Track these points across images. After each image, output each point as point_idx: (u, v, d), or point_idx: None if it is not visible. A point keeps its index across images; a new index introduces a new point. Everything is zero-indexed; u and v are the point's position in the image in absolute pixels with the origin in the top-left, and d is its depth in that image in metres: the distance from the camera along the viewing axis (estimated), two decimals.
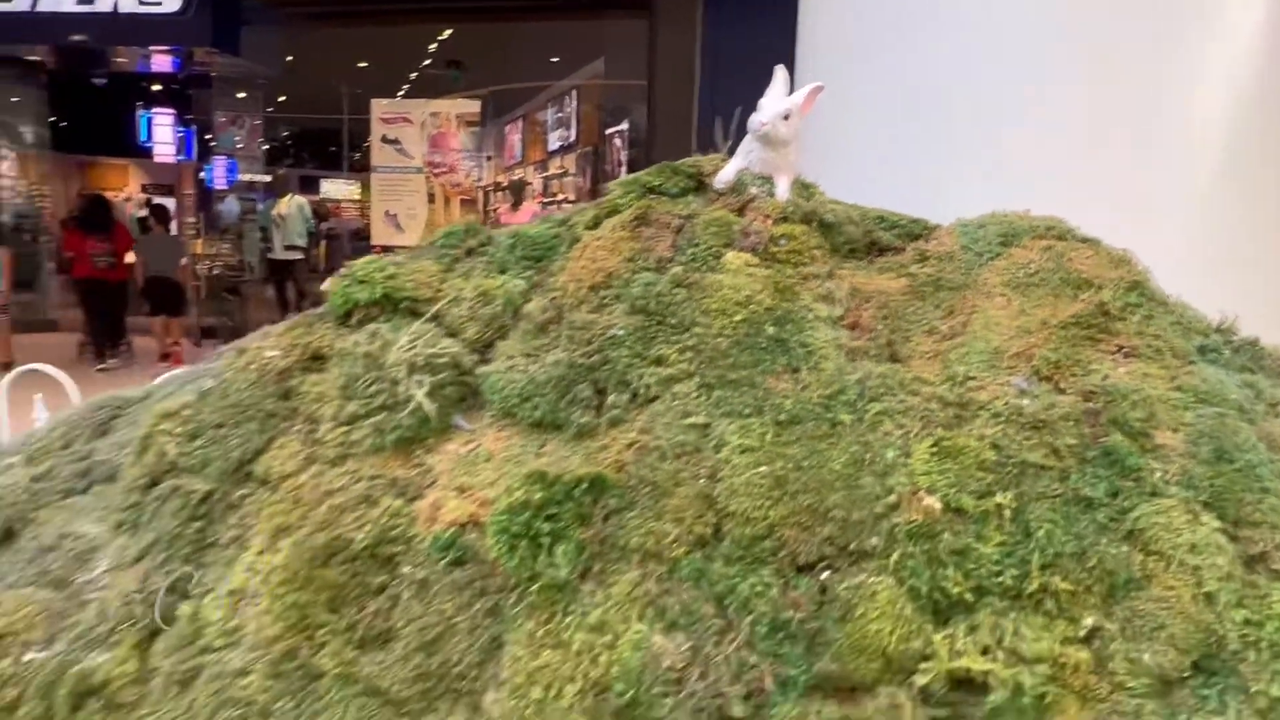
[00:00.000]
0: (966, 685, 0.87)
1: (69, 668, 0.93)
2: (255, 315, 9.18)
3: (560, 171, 9.67)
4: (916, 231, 1.33)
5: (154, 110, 11.82)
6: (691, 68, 6.92)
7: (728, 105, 1.33)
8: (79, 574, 1.04)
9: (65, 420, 1.32)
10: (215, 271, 9.62)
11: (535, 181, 10.29)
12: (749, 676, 0.85)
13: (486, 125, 9.87)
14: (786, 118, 1.15)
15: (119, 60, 9.57)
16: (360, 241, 10.60)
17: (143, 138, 11.98)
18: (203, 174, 13.36)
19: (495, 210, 10.26)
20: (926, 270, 1.22)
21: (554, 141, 9.74)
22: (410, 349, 1.08)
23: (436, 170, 8.34)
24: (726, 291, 1.08)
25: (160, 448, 1.10)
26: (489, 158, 11.37)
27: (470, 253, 1.30)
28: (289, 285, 8.90)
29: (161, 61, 9.97)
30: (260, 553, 0.98)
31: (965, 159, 2.51)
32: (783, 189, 1.20)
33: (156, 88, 11.44)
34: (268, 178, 10.62)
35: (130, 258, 8.01)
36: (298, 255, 8.87)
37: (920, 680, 0.86)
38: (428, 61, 10.24)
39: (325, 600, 0.94)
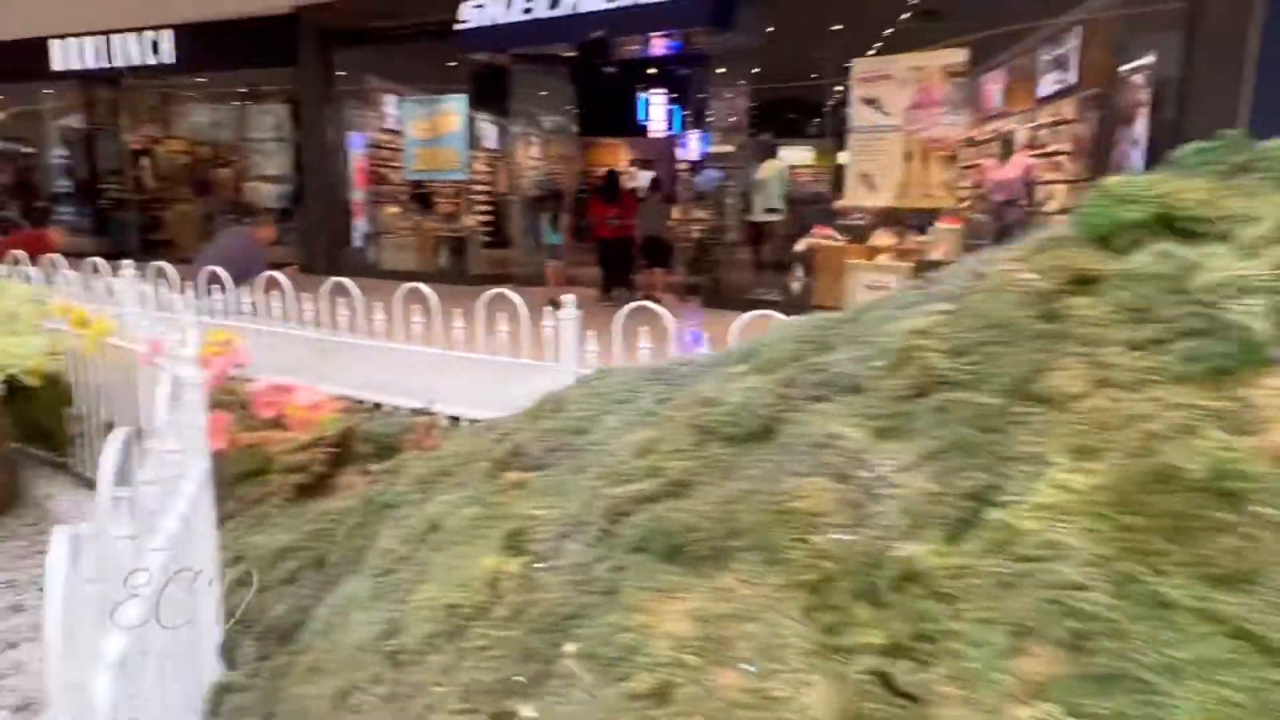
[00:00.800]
0: None
1: (883, 552, 1.01)
2: (732, 274, 9.91)
3: (1054, 120, 8.77)
4: None
5: (651, 91, 13.34)
6: None
7: None
8: (859, 470, 1.13)
9: (781, 338, 1.47)
10: (698, 234, 10.61)
11: (1021, 132, 9.47)
12: None
13: (970, 76, 9.29)
14: None
15: (631, 47, 10.90)
16: (818, 205, 10.82)
17: (641, 117, 13.58)
18: (681, 147, 14.86)
19: (977, 166, 9.70)
20: None
21: (1047, 87, 8.87)
22: (1228, 272, 0.97)
23: (915, 127, 8.09)
24: None
25: (924, 362, 1.14)
26: (970, 109, 10.72)
27: (1241, 169, 1.14)
28: (764, 246, 9.44)
29: (660, 45, 11.13)
30: (1070, 472, 0.96)
31: None
32: None
33: (652, 71, 12.89)
34: (738, 147, 11.27)
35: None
36: (775, 217, 9.33)
37: None
38: (905, 15, 9.97)
39: (1162, 528, 0.88)
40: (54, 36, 14.12)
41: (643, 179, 12.78)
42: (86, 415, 3.33)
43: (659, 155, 15.44)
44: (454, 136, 11.91)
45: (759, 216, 9.42)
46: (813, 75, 12.38)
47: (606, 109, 12.89)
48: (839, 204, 9.99)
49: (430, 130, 12.04)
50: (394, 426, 2.63)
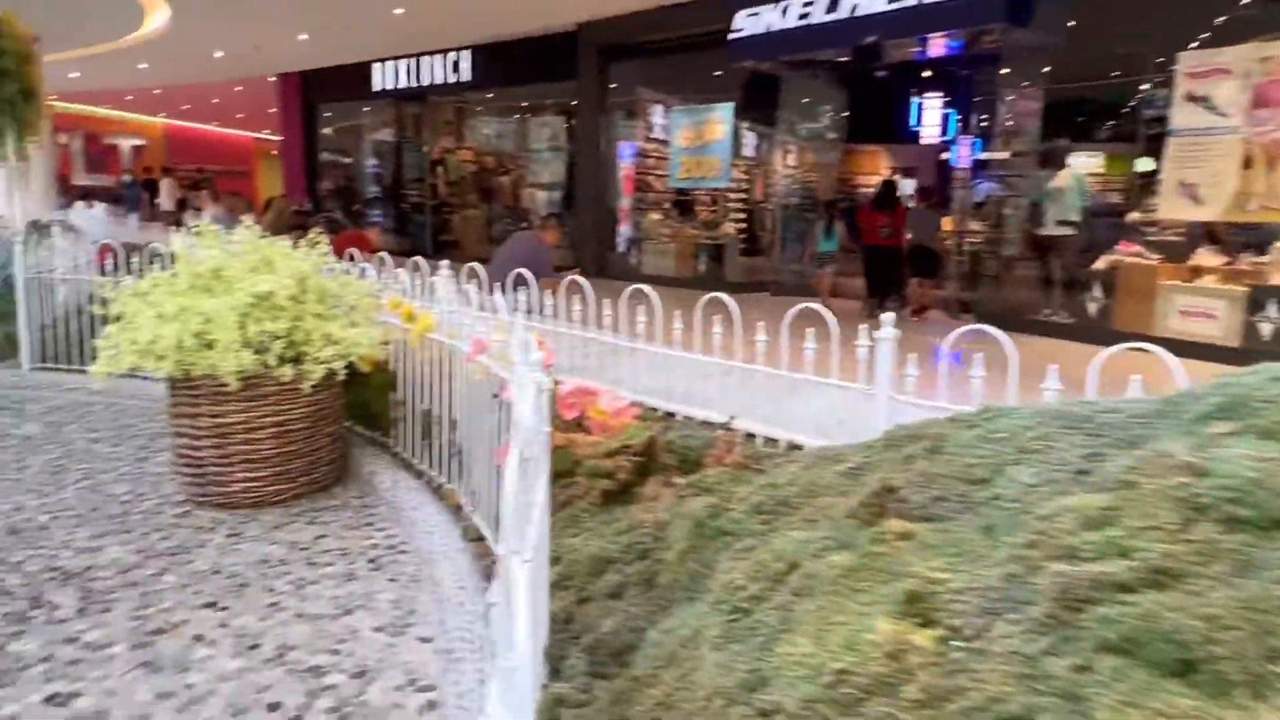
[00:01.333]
0: None
1: None
2: (1012, 292, 9.09)
3: None
4: None
5: (925, 95, 12.65)
6: None
7: None
8: None
9: None
10: (971, 247, 9.87)
11: None
12: None
13: None
14: None
15: (907, 50, 10.37)
16: (1118, 218, 9.63)
17: (913, 123, 12.92)
18: (954, 153, 13.95)
19: None
20: None
21: None
22: None
23: (1262, 129, 6.91)
24: None
25: None
26: None
27: None
28: (1054, 261, 8.55)
29: (939, 46, 10.47)
30: None
31: None
32: None
33: (927, 74, 12.22)
34: (1025, 153, 10.33)
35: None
36: (1069, 231, 8.42)
37: None
38: (1245, 1, 8.59)
39: None
40: (375, 60, 16.08)
41: (911, 187, 12.14)
42: (406, 401, 3.64)
43: (929, 162, 14.61)
44: (718, 144, 12.03)
45: (1050, 229, 8.55)
46: (1113, 74, 11.08)
47: (876, 114, 12.38)
48: (1147, 216, 8.85)
49: (696, 138, 12.25)
50: (695, 439, 2.57)
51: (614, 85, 13.26)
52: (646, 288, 3.36)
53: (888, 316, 2.46)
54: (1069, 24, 9.87)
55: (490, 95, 16.08)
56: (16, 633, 2.34)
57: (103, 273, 5.47)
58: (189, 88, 19.54)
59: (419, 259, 4.38)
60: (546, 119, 15.08)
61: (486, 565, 2.64)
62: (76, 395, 5.03)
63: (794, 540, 1.34)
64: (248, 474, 3.28)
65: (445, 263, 3.99)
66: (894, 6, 8.73)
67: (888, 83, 11.72)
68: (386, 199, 18.11)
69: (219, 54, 15.03)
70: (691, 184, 12.50)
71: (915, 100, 12.85)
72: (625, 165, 13.35)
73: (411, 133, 17.44)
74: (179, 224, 10.47)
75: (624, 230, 13.45)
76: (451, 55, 15.00)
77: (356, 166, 19.19)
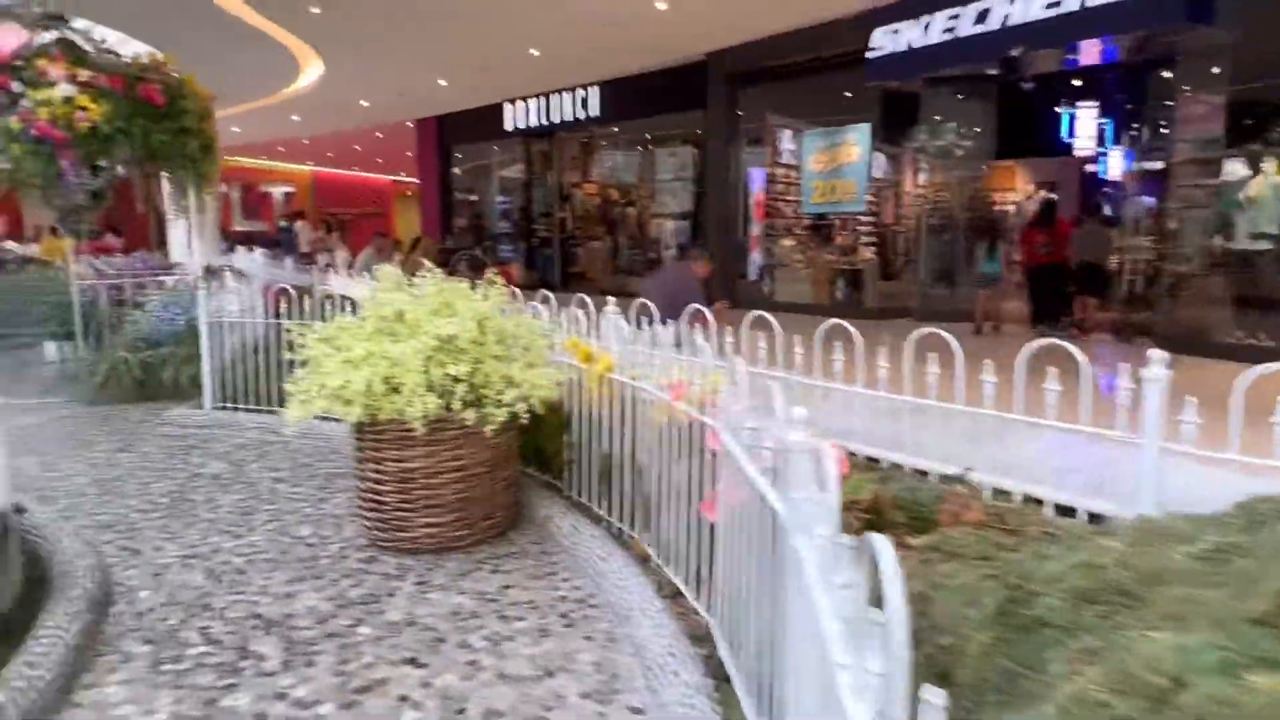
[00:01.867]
0: None
1: None
2: (1194, 312, 8.29)
3: None
4: None
5: (1078, 105, 11.88)
6: None
7: None
8: None
9: None
10: (1143, 264, 9.12)
11: None
12: None
13: None
14: None
15: (1059, 58, 9.75)
16: None
17: (1064, 134, 12.16)
18: (1098, 166, 13.02)
19: None
20: None
21: None
22: None
23: None
24: None
25: None
26: None
27: None
28: (1247, 280, 7.74)
29: (1093, 52, 9.79)
30: None
31: None
32: None
33: (1078, 82, 11.46)
34: (1203, 162, 9.48)
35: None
36: (1266, 245, 7.61)
37: None
38: None
39: None
40: (508, 100, 16.59)
41: (1067, 202, 11.41)
42: (581, 443, 3.53)
43: (1078, 175, 13.71)
44: (853, 167, 11.66)
45: (1243, 243, 7.75)
46: None
47: (1023, 127, 11.69)
48: None
49: (829, 162, 11.93)
50: (921, 491, 2.32)
51: (743, 112, 13.13)
52: (847, 324, 3.14)
53: (1156, 354, 2.13)
54: (1247, 17, 9.04)
55: (616, 129, 16.27)
56: (228, 686, 2.33)
57: (277, 315, 5.70)
58: (335, 136, 20.76)
59: (546, 292, 4.34)
60: (674, 149, 15.09)
61: (689, 625, 2.46)
62: (254, 434, 5.23)
63: (1167, 646, 1.09)
64: (430, 519, 3.24)
65: (612, 300, 3.89)
66: (1053, 13, 8.20)
67: (1036, 94, 11.03)
68: (516, 234, 18.58)
69: (365, 103, 15.87)
70: (826, 209, 12.16)
71: (1067, 111, 12.07)
72: (755, 192, 13.15)
73: (539, 169, 17.85)
74: (313, 265, 11.00)
75: (755, 257, 13.22)
76: (580, 92, 15.28)
77: (484, 203, 19.82)
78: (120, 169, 6.42)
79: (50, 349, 7.79)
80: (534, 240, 18.10)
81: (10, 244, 13.71)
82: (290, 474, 4.41)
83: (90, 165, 6.36)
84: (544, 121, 16.40)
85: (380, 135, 20.97)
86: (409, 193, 27.71)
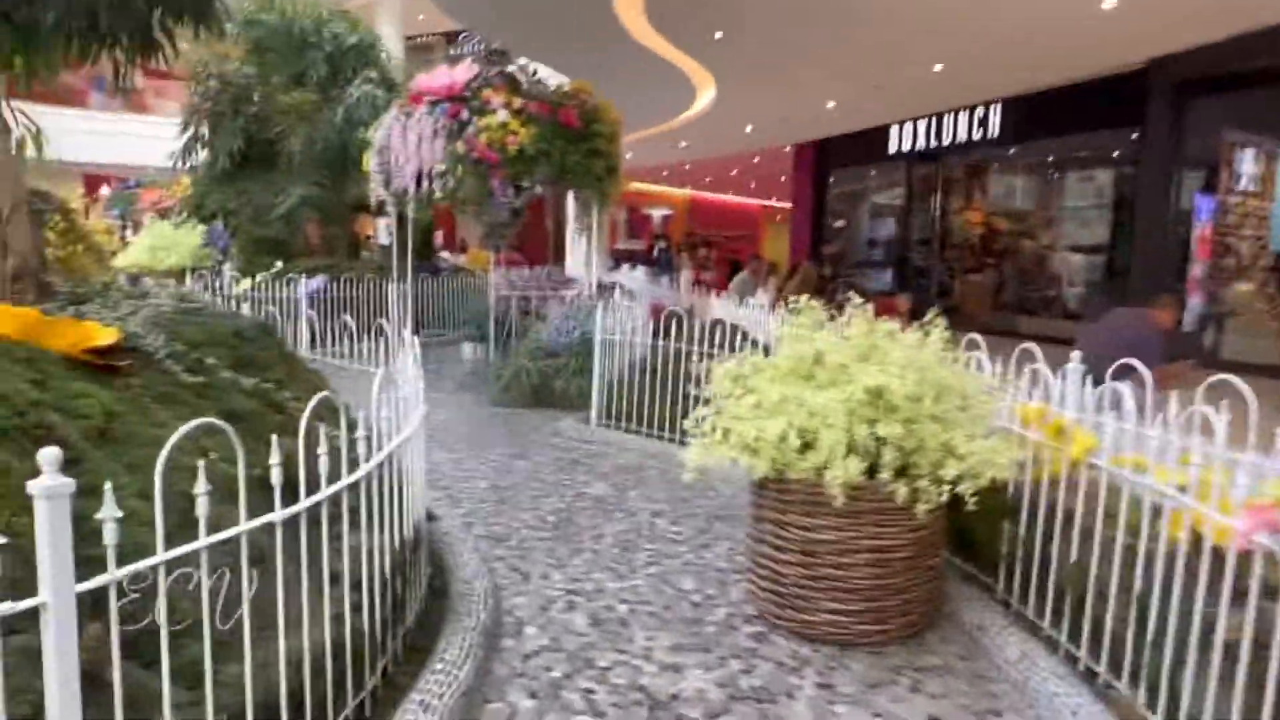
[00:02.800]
0: None
1: None
2: None
3: None
4: None
5: None
6: None
7: None
8: None
9: None
10: None
11: None
12: None
13: None
14: None
15: None
16: None
17: None
18: None
19: None
20: None
21: None
22: None
23: None
24: None
25: None
26: None
27: None
28: None
29: None
30: None
31: None
32: None
33: None
34: None
35: None
36: None
37: None
38: None
39: None
40: (894, 123, 15.74)
41: None
42: (1032, 540, 2.75)
43: None
44: None
45: None
46: None
47: None
48: None
49: None
50: None
51: (1189, 128, 10.90)
52: None
53: None
54: None
55: (1013, 150, 14.59)
56: None
57: (662, 334, 5.62)
58: (715, 162, 21.48)
59: (976, 335, 3.51)
60: (1089, 173, 13.09)
61: None
62: (634, 457, 5.15)
63: None
64: (836, 604, 2.70)
65: (1076, 354, 3.04)
66: None
67: None
68: (887, 262, 17.60)
69: (749, 128, 16.07)
70: None
71: None
72: (1200, 224, 10.83)
73: (919, 194, 16.71)
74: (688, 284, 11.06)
75: (1194, 303, 10.88)
76: (979, 111, 13.94)
77: (851, 229, 19.09)
78: (538, 188, 6.87)
79: (466, 349, 8.71)
80: (907, 270, 16.98)
81: (446, 254, 15.99)
82: (669, 507, 4.17)
83: (515, 185, 6.89)
84: (932, 144, 15.27)
85: (756, 160, 21.27)
86: (779, 218, 27.91)
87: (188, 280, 9.19)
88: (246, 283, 9.20)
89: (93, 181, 21.36)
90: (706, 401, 3.00)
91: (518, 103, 6.70)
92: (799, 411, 2.65)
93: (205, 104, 10.50)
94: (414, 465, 2.70)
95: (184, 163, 10.91)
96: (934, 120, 15.14)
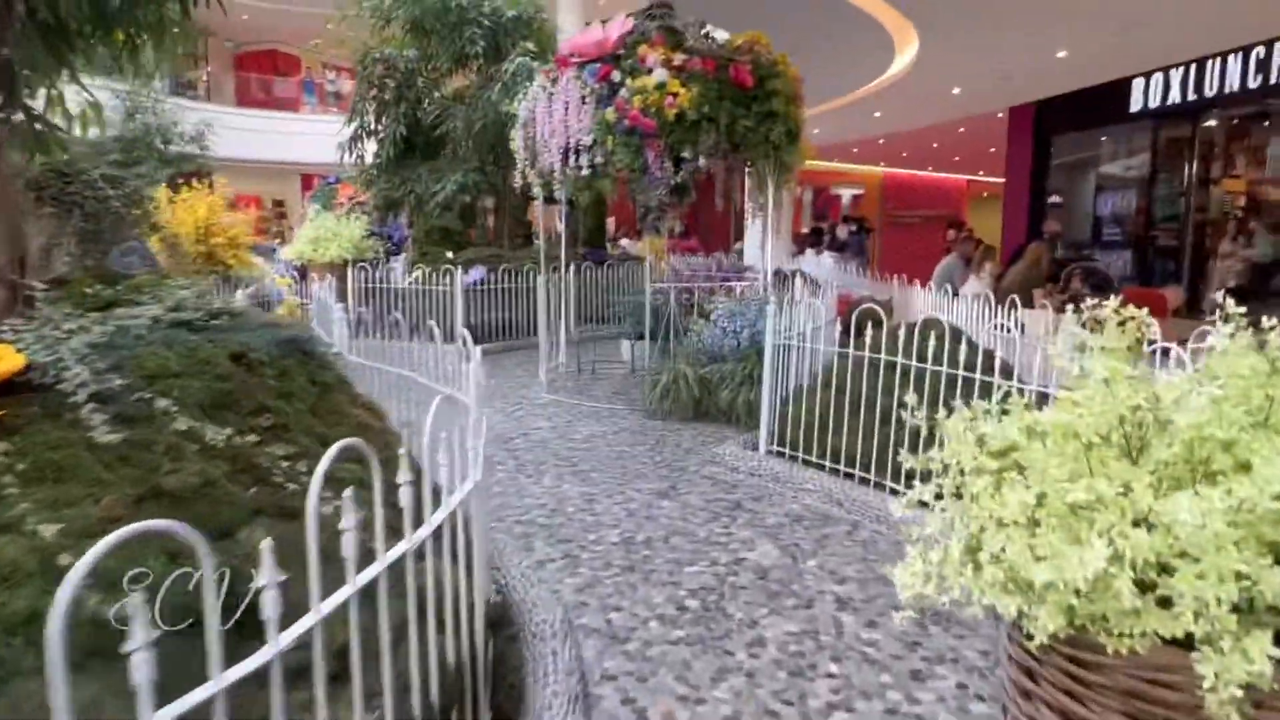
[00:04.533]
0: None
1: None
2: None
3: None
4: None
5: None
6: None
7: None
8: None
9: None
10: None
11: None
12: None
13: None
14: None
15: None
16: None
17: None
18: None
19: None
20: None
21: None
22: None
23: None
24: None
25: None
26: None
27: None
28: None
29: None
30: None
31: None
32: None
33: None
34: None
35: None
36: None
37: None
38: None
39: None
40: (1140, 74, 13.17)
41: None
42: None
43: None
44: None
45: None
46: None
47: None
48: None
49: None
50: None
51: None
52: None
53: None
54: None
55: None
56: None
57: (855, 334, 4.37)
58: (913, 134, 19.40)
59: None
60: None
61: None
62: (813, 502, 3.94)
63: None
64: None
65: None
66: None
67: None
68: (1124, 243, 14.93)
69: (957, 90, 14.09)
70: None
71: None
72: None
73: (1168, 160, 13.97)
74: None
75: None
76: (1258, 51, 11.26)
77: (1072, 205, 16.40)
78: (702, 160, 5.76)
79: (625, 348, 7.77)
80: (1149, 251, 14.31)
81: (626, 242, 15.13)
82: (861, 592, 2.96)
83: (674, 158, 5.82)
84: (1190, 97, 12.62)
85: (962, 130, 18.95)
86: (985, 194, 25.15)
87: (349, 273, 8.90)
88: (416, 274, 8.81)
89: (308, 180, 22.65)
90: (931, 476, 1.77)
91: (678, 59, 5.61)
92: (1123, 524, 1.39)
93: (371, 91, 10.23)
94: (475, 555, 1.70)
95: (350, 154, 10.74)
96: (1190, 69, 12.50)
